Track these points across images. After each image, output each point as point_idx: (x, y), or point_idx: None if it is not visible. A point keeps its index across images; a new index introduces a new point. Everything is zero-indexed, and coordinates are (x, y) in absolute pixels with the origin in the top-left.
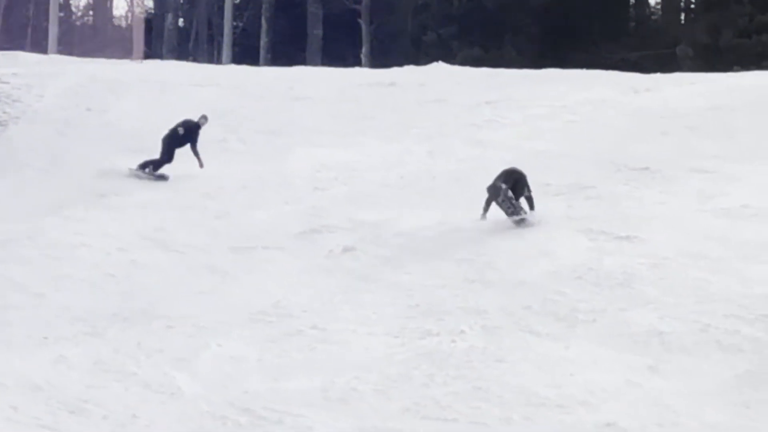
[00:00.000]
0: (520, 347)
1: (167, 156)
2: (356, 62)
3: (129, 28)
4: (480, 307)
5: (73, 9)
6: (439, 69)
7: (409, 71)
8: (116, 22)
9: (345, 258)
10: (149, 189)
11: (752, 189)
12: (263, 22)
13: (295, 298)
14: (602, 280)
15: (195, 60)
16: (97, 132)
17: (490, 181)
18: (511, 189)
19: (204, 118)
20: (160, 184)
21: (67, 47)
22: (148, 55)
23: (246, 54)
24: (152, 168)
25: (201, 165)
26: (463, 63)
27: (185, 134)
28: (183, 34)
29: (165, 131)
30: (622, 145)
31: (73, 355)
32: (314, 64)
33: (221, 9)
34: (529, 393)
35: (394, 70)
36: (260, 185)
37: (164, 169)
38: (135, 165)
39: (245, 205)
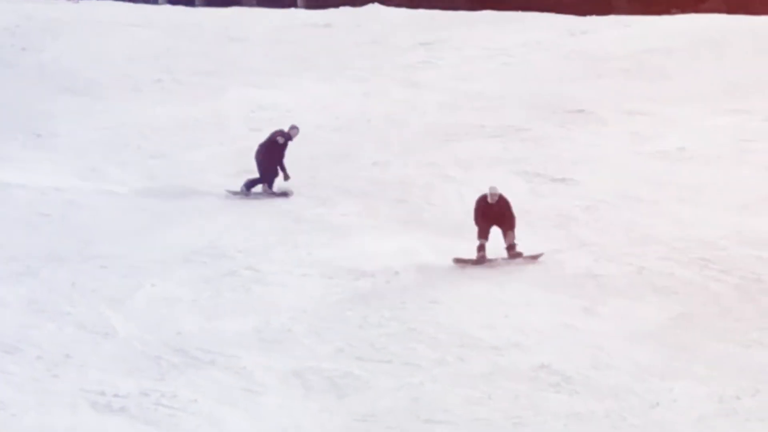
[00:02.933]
0: (455, 289)
1: (273, 170)
2: (292, 3)
3: None
4: (415, 248)
5: None
6: (374, 10)
7: (345, 12)
8: None
9: (280, 199)
10: (85, 129)
11: (687, 132)
12: None
13: (229, 238)
14: (537, 222)
15: (131, 0)
16: (33, 72)
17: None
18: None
19: (295, 128)
20: (96, 125)
21: None
22: None
23: None
24: (267, 186)
25: (287, 177)
26: (399, 4)
27: (285, 144)
28: None
29: (256, 146)
30: (557, 88)
31: (6, 295)
32: (250, 5)
33: None
34: (463, 334)
35: (330, 12)
36: (195, 126)
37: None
38: (238, 187)
39: (181, 146)
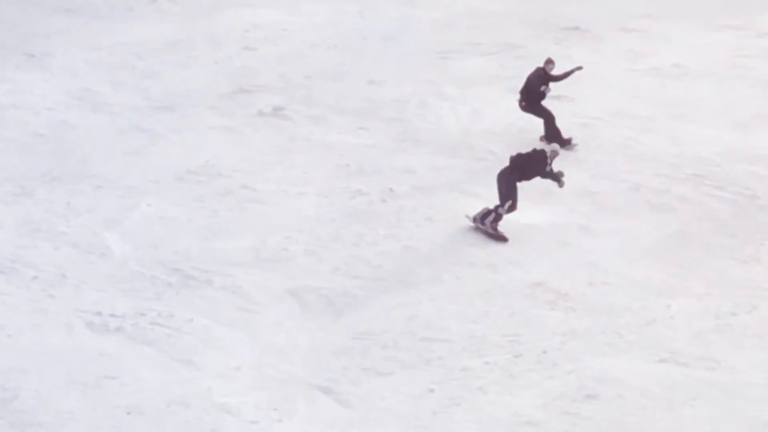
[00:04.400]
0: (450, 206)
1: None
2: None
3: None
4: (410, 167)
5: None
6: None
7: None
8: None
9: (275, 118)
10: (79, 49)
11: (683, 48)
12: None
13: (225, 157)
14: (532, 140)
15: None
16: None
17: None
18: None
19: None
20: (91, 45)
21: None
22: None
23: None
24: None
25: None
26: None
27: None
28: None
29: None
30: (552, 4)
31: (2, 215)
32: None
33: None
34: (459, 252)
35: None
36: (190, 45)
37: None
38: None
39: (175, 65)
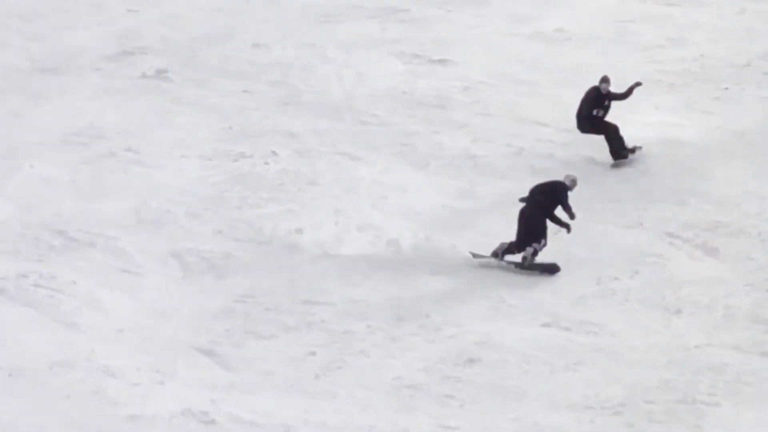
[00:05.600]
0: (333, 170)
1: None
2: None
3: None
4: (293, 130)
5: None
6: None
7: None
8: None
9: (159, 80)
10: None
11: (567, 13)
12: None
13: (108, 119)
14: (416, 104)
15: None
16: None
17: None
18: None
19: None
20: None
21: None
22: None
23: None
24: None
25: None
26: None
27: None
28: None
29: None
30: None
31: None
32: None
33: None
34: (343, 216)
35: None
36: (73, 6)
37: None
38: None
39: (59, 28)
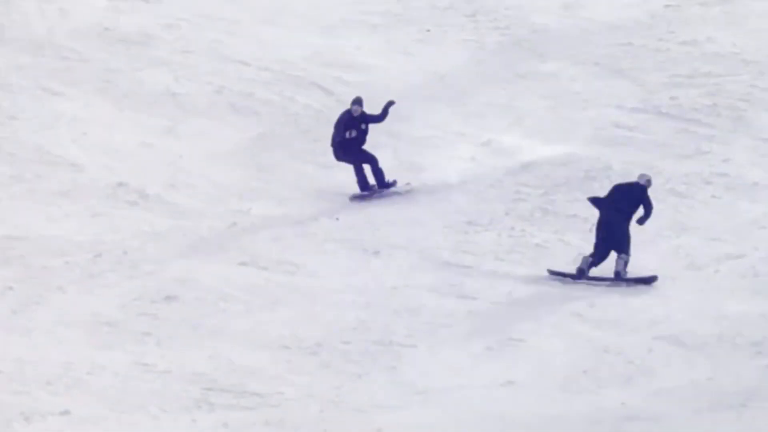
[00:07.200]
0: (33, 106)
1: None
2: None
3: None
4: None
5: None
6: None
7: None
8: None
9: None
10: None
11: None
12: None
13: None
14: (118, 40)
15: None
16: None
17: None
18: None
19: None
20: None
21: None
22: None
23: None
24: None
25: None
26: None
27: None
28: None
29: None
30: None
31: None
32: None
33: None
34: (43, 151)
35: None
36: None
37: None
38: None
39: None
